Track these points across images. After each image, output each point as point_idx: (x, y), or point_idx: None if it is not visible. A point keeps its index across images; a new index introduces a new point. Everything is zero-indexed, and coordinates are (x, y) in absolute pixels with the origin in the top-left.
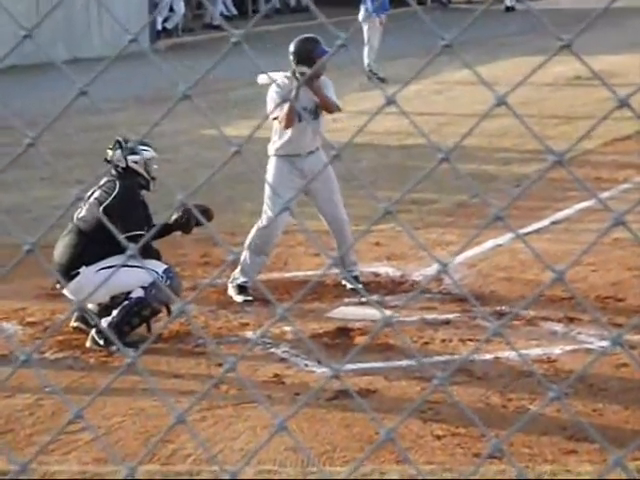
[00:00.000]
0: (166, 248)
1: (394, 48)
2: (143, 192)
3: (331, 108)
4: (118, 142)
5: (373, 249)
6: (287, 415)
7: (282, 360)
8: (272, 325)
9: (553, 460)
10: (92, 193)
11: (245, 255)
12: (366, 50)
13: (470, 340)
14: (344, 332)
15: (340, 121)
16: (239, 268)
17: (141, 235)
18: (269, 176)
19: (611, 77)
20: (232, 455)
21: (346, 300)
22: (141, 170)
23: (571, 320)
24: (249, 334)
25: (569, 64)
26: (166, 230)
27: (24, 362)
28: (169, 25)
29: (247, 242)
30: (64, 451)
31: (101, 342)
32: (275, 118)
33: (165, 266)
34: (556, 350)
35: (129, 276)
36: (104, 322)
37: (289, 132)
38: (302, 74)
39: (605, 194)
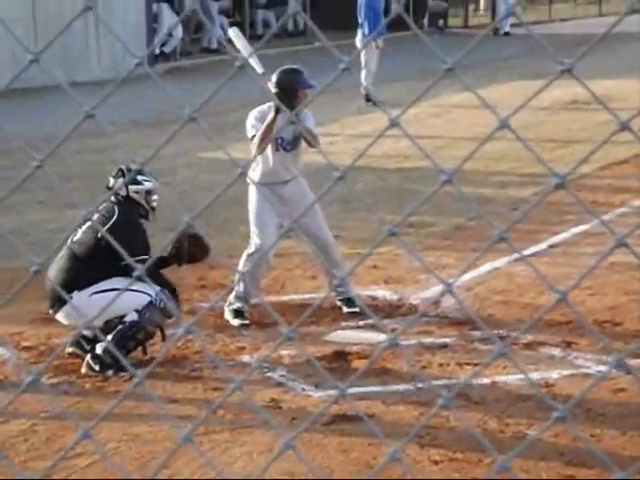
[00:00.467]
0: (164, 271)
1: (391, 71)
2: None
3: (313, 141)
4: (120, 170)
5: (371, 272)
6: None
7: (279, 384)
8: (278, 345)
9: None
10: (88, 218)
11: (238, 281)
12: (363, 73)
13: (468, 364)
14: (341, 356)
15: (337, 144)
16: (233, 294)
17: (141, 261)
18: (251, 203)
19: (608, 101)
20: None
21: (343, 324)
22: (141, 200)
23: (569, 344)
24: (246, 358)
25: (566, 88)
26: (163, 263)
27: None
28: (167, 49)
29: (238, 268)
30: (62, 476)
31: (96, 367)
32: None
33: (158, 288)
34: (554, 374)
35: (123, 300)
36: (99, 347)
37: (267, 161)
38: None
39: (602, 218)
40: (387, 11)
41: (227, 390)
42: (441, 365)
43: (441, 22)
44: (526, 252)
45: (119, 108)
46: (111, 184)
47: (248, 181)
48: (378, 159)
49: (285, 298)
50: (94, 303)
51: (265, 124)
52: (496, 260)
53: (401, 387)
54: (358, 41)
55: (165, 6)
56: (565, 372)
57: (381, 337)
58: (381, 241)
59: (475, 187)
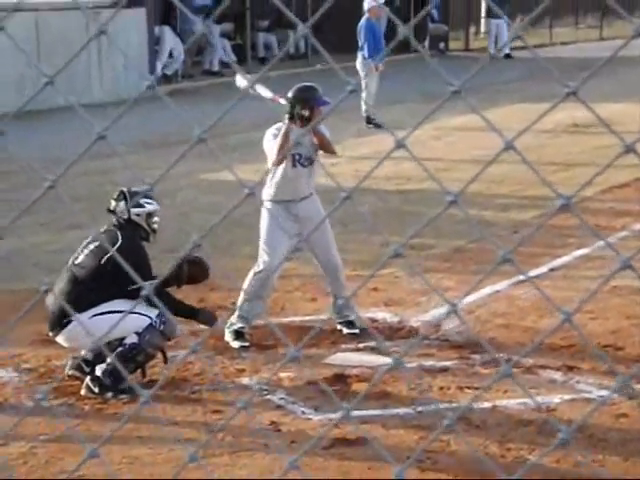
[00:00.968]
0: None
1: (392, 94)
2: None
3: (331, 150)
4: (122, 193)
5: (371, 294)
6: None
7: (278, 407)
8: (283, 365)
9: None
10: (90, 240)
11: (242, 301)
12: (364, 96)
13: (468, 388)
14: (341, 378)
15: (338, 165)
16: (236, 314)
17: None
18: (263, 221)
19: (610, 125)
20: None
21: (343, 346)
22: (142, 223)
23: (570, 369)
24: (245, 380)
25: (567, 111)
26: (164, 284)
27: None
28: (168, 71)
29: (244, 287)
30: None
31: (96, 390)
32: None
33: (158, 311)
34: (555, 399)
35: (123, 322)
36: (99, 369)
37: (284, 177)
38: (302, 117)
39: (602, 242)
40: (387, 34)
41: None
42: (442, 388)
43: (442, 45)
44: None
45: (125, 130)
46: (112, 206)
47: (262, 198)
48: (379, 181)
49: (285, 320)
50: (95, 325)
51: (281, 133)
52: (497, 283)
53: (401, 411)
54: (358, 64)
55: (167, 29)
56: (566, 397)
57: (381, 360)
58: (385, 261)
59: (477, 210)
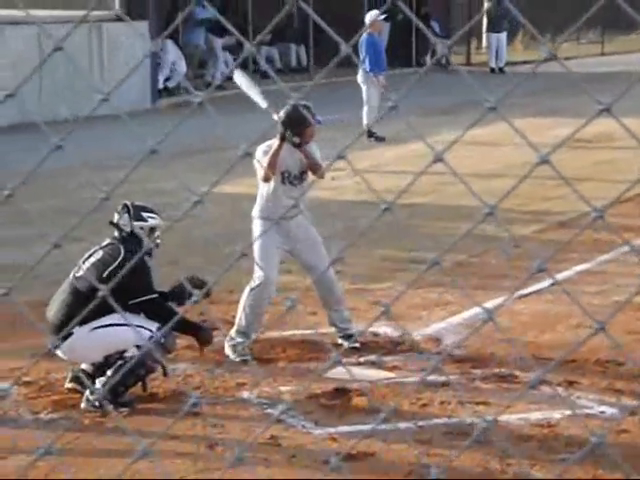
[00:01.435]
0: None
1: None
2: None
3: (319, 171)
4: (126, 206)
5: (372, 308)
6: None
7: (279, 421)
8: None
9: None
10: (92, 253)
11: (240, 315)
12: (365, 110)
13: (469, 402)
14: (342, 393)
15: (340, 179)
16: (235, 328)
17: (151, 300)
18: (254, 237)
19: (610, 140)
20: None
21: (344, 360)
22: (145, 237)
23: (571, 384)
24: (245, 394)
25: (572, 126)
26: (165, 300)
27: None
28: (171, 84)
29: (241, 303)
30: None
31: (96, 403)
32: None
33: (158, 324)
34: (556, 414)
35: (123, 335)
36: (98, 382)
37: (274, 194)
38: (292, 142)
39: (604, 257)
40: (388, 48)
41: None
42: (442, 403)
43: (444, 60)
44: (528, 290)
45: (125, 142)
46: (116, 220)
47: (253, 215)
48: (381, 194)
49: (286, 334)
50: (95, 338)
51: (272, 150)
52: (499, 298)
53: (402, 425)
54: (360, 77)
55: (169, 42)
56: (567, 412)
57: (382, 374)
58: (427, 269)
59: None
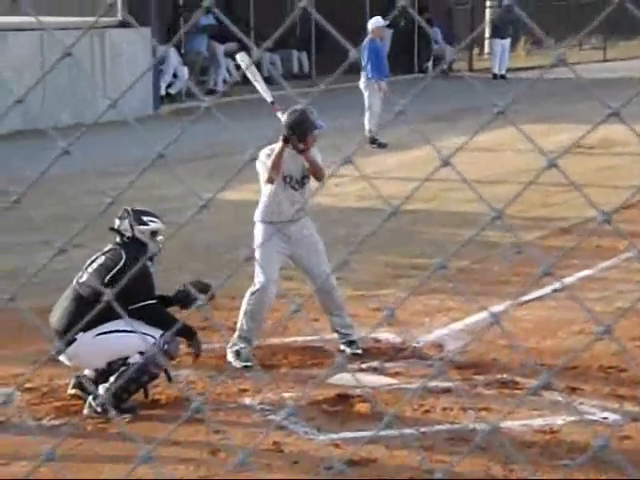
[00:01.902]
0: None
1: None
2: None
3: (320, 176)
4: (126, 211)
5: (374, 315)
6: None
7: (281, 427)
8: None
9: None
10: (95, 259)
11: (242, 321)
12: (367, 116)
13: (471, 408)
14: (344, 399)
15: (342, 185)
16: (237, 334)
17: (150, 305)
18: (256, 241)
19: (612, 146)
20: None
21: (347, 366)
22: (147, 241)
23: (573, 390)
24: (247, 400)
25: (571, 132)
26: (165, 303)
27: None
28: (173, 91)
29: (242, 308)
30: None
31: (98, 409)
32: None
33: (162, 331)
34: (558, 420)
35: (127, 342)
36: (101, 388)
37: (275, 199)
38: (296, 147)
39: (606, 263)
40: (390, 54)
41: (229, 432)
42: (445, 409)
43: (445, 66)
44: (530, 296)
45: (125, 149)
46: (117, 225)
47: (255, 219)
48: (383, 201)
49: (288, 340)
50: (99, 344)
51: (275, 152)
52: (501, 304)
53: (404, 431)
54: (362, 84)
55: (171, 48)
56: (570, 418)
57: (384, 380)
58: (433, 272)
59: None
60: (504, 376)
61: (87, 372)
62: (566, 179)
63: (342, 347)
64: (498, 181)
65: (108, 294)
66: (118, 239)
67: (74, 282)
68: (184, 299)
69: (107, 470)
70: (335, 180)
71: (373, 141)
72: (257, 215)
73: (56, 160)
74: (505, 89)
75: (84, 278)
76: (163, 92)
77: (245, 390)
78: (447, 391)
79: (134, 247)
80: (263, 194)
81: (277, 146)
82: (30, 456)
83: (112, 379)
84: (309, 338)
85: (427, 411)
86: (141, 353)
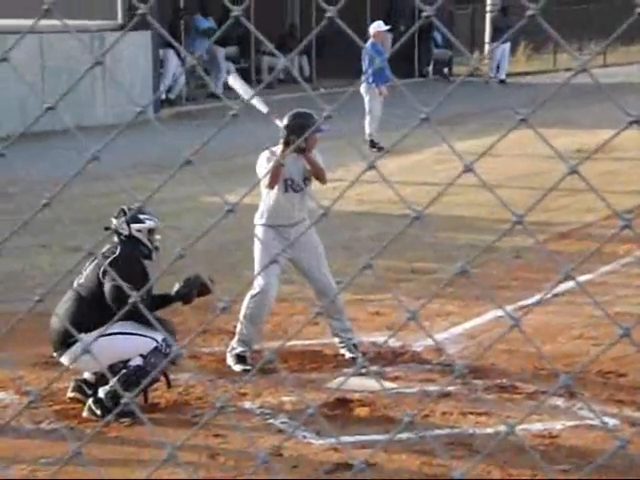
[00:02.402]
0: (164, 315)
1: (395, 118)
2: (146, 262)
3: (323, 178)
4: (122, 210)
5: (373, 319)
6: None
7: (280, 431)
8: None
9: None
10: (93, 260)
11: (241, 325)
12: (367, 120)
13: (471, 413)
14: (343, 403)
15: (341, 189)
16: (236, 338)
17: (141, 298)
18: (256, 245)
19: (611, 151)
20: None
21: (345, 370)
22: (144, 239)
23: (573, 395)
24: (247, 404)
25: (572, 137)
26: (167, 301)
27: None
28: (172, 95)
29: (242, 312)
30: None
31: (98, 412)
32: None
33: (164, 334)
34: (558, 425)
35: (128, 344)
36: (102, 391)
37: (276, 202)
38: (297, 147)
39: (606, 268)
40: (391, 59)
41: (229, 436)
42: (444, 414)
43: (446, 70)
44: (529, 300)
45: (122, 152)
46: (113, 224)
47: (255, 223)
48: (382, 205)
49: (288, 344)
50: (100, 347)
51: (275, 158)
52: (500, 308)
53: (403, 436)
54: (362, 88)
55: (171, 52)
56: (569, 423)
57: (384, 384)
58: (451, 278)
59: (479, 234)
60: (503, 381)
61: (87, 375)
62: (586, 184)
63: (342, 351)
64: (496, 186)
65: (134, 296)
66: (115, 239)
67: (75, 284)
68: (185, 296)
69: (104, 474)
70: (334, 184)
71: (374, 145)
72: (257, 218)
73: (86, 165)
74: (503, 94)
75: (82, 279)
76: (163, 96)
77: (244, 394)
78: (446, 395)
79: (130, 244)
80: (264, 197)
81: (278, 150)
82: (29, 459)
83: (112, 382)
84: (308, 342)
85: (426, 415)
86: (142, 356)
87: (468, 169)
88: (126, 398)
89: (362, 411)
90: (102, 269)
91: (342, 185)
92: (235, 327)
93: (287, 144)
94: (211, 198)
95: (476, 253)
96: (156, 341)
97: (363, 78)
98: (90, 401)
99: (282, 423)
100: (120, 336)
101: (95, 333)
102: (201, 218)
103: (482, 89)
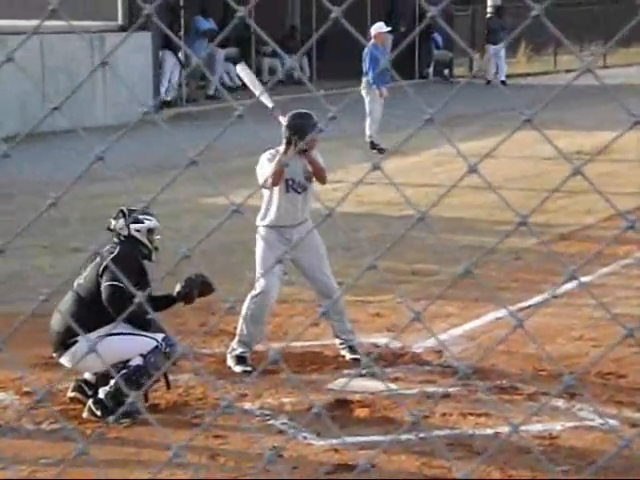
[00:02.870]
0: (164, 316)
1: (396, 119)
2: (145, 262)
3: (323, 178)
4: (122, 211)
5: (373, 320)
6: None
7: (280, 432)
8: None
9: None
10: (94, 260)
11: (242, 326)
12: (368, 121)
13: (471, 414)
14: (343, 404)
15: (341, 190)
16: (237, 339)
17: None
18: (258, 246)
19: (610, 153)
20: None
21: (346, 372)
22: (143, 239)
23: (572, 396)
24: (247, 405)
25: (570, 139)
26: (169, 302)
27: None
28: (169, 97)
29: (242, 312)
30: None
31: (98, 412)
32: (266, 185)
33: (164, 334)
34: (557, 426)
35: (128, 344)
36: (102, 392)
37: (278, 203)
38: (295, 144)
39: (605, 269)
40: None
41: (229, 437)
42: (444, 415)
43: (446, 71)
44: (529, 302)
45: (121, 153)
46: (112, 225)
47: (257, 224)
48: (381, 206)
49: (288, 345)
50: (100, 347)
51: (277, 159)
52: (500, 310)
53: (403, 437)
54: (363, 89)
55: (168, 53)
56: (569, 424)
57: (383, 385)
58: (460, 276)
59: (478, 236)
60: (503, 382)
61: (87, 375)
62: (590, 185)
63: (342, 352)
64: (495, 188)
65: (140, 296)
66: (115, 239)
67: (75, 285)
68: (186, 296)
69: (105, 474)
70: (334, 185)
71: (374, 147)
72: (259, 220)
73: (90, 166)
74: (505, 95)
75: (82, 279)
76: (163, 97)
77: (244, 395)
78: (446, 396)
79: (129, 244)
80: (265, 198)
81: (280, 150)
82: (29, 460)
83: (112, 382)
84: (309, 343)
85: (426, 416)
86: (142, 356)
87: (473, 170)
88: (131, 397)
89: (362, 412)
90: (100, 269)
91: (342, 186)
92: (235, 328)
93: (289, 144)
94: (210, 199)
95: (476, 254)
96: (156, 341)
97: (364, 79)
98: (90, 402)
99: (282, 424)
100: (120, 336)
101: (95, 333)
102: (200, 219)
103: (482, 90)
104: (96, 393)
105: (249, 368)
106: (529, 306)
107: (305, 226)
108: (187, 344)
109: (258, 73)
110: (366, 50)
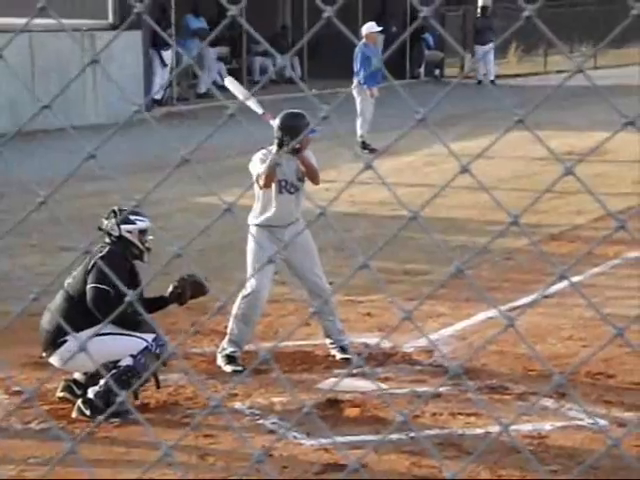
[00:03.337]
0: (156, 316)
1: (387, 119)
2: (137, 262)
3: (316, 178)
4: (113, 211)
5: (364, 319)
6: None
7: (270, 432)
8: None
9: None
10: (84, 259)
11: (232, 325)
12: (359, 121)
13: (461, 414)
14: (334, 404)
15: (333, 190)
16: (227, 338)
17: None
18: (249, 245)
19: (604, 153)
20: None
21: (336, 371)
22: (135, 240)
23: (562, 396)
24: (237, 405)
25: (562, 139)
26: (162, 303)
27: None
28: (157, 96)
29: (233, 312)
30: None
31: (87, 412)
32: (259, 184)
33: (154, 335)
34: (547, 426)
35: (118, 344)
36: (91, 391)
37: (270, 203)
38: (287, 145)
39: (595, 269)
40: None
41: (219, 437)
42: (434, 414)
43: (437, 71)
44: (520, 302)
45: (113, 152)
46: (104, 225)
47: (249, 223)
48: (374, 206)
49: (279, 345)
50: (91, 347)
51: (269, 159)
52: (491, 310)
53: (393, 436)
54: (354, 89)
55: (154, 52)
56: (558, 423)
57: (374, 385)
58: (451, 276)
59: (470, 236)
60: (494, 382)
61: (77, 375)
62: (582, 185)
63: (333, 352)
64: (488, 188)
65: (131, 295)
66: (107, 239)
67: (65, 284)
68: (178, 297)
69: (95, 474)
70: (326, 185)
71: (365, 147)
72: (251, 219)
73: (82, 164)
74: (496, 95)
75: (72, 279)
76: (153, 96)
77: (235, 395)
78: (437, 396)
79: (119, 244)
80: (258, 198)
81: (271, 150)
82: (18, 460)
83: (102, 382)
84: (299, 342)
85: (417, 416)
86: (132, 356)
87: (465, 170)
88: (120, 397)
89: (352, 412)
90: (88, 269)
91: (334, 186)
92: (226, 328)
93: (281, 145)
94: (201, 199)
95: (468, 254)
96: (146, 341)
97: (355, 79)
98: (79, 401)
99: (272, 424)
100: (111, 336)
101: (85, 333)
102: (191, 219)
103: (473, 91)
104: (85, 393)
105: (239, 368)
106: (520, 306)
107: (297, 226)
108: (176, 344)
109: (249, 72)
110: (357, 50)
